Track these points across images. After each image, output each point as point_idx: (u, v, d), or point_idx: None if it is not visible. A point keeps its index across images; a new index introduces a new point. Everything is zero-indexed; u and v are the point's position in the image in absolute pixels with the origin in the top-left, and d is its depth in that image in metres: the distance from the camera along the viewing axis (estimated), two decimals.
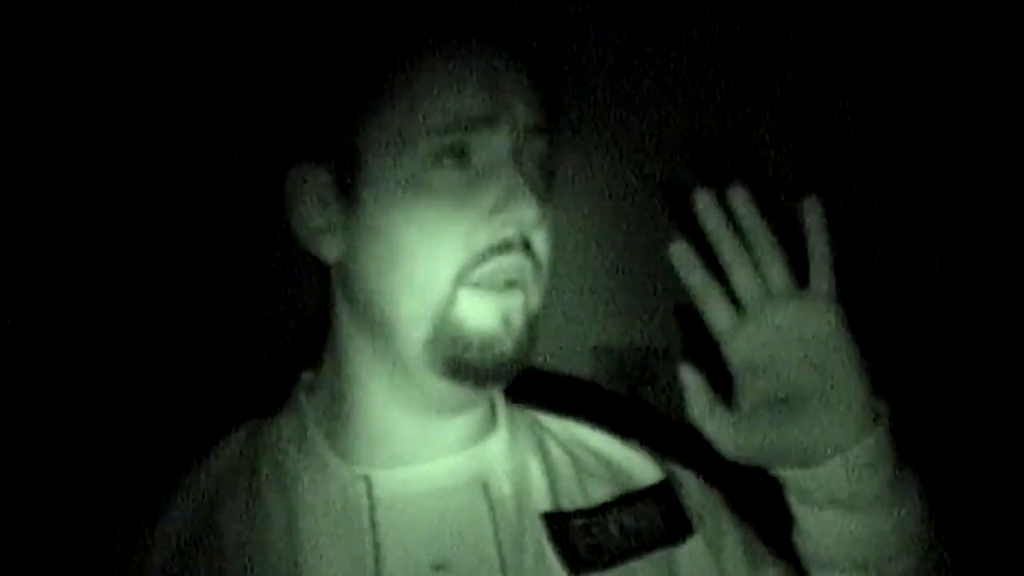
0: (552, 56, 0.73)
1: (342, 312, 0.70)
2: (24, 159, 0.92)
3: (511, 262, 0.64)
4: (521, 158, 0.65)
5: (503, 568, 0.66)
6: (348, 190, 0.66)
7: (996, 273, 1.02)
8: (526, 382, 0.86)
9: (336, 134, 0.66)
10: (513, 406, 0.77)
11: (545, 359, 1.05)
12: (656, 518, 0.72)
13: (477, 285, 0.64)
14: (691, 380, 0.64)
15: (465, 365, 0.65)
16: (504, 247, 0.64)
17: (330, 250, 0.68)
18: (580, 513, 0.70)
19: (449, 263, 0.63)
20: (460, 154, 0.63)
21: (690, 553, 0.71)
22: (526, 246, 0.65)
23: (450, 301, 0.64)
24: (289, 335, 0.97)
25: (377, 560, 0.65)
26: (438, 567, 0.66)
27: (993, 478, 1.02)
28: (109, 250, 0.95)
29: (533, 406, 0.81)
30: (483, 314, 0.64)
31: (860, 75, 1.00)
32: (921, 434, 1.05)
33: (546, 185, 0.68)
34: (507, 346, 0.65)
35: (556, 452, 0.76)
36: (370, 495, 0.67)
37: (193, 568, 0.66)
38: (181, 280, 0.97)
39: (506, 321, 0.64)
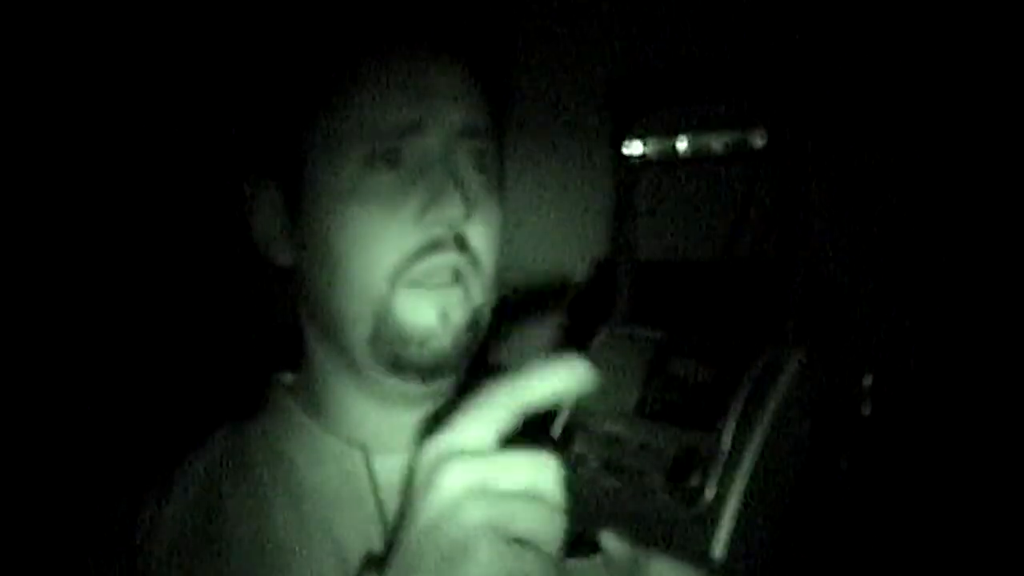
0: (492, 56, 0.73)
1: (303, 317, 0.73)
2: (10, 163, 0.92)
3: (443, 259, 0.66)
4: (453, 159, 0.67)
5: None
6: (292, 197, 0.69)
7: (995, 274, 1.01)
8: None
9: (280, 147, 0.70)
10: None
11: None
12: None
13: (413, 283, 0.66)
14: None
15: (406, 361, 0.66)
16: (435, 245, 0.65)
17: (282, 256, 0.71)
18: None
19: (383, 264, 0.65)
20: (391, 160, 0.65)
21: None
22: (461, 244, 0.66)
23: (388, 300, 0.66)
24: (260, 341, 0.97)
25: (384, 527, 0.67)
26: None
27: (992, 478, 1.01)
28: (88, 254, 0.94)
29: None
30: (420, 310, 0.66)
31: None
32: (919, 435, 1.05)
33: (486, 182, 0.69)
34: (445, 341, 0.66)
35: None
36: (369, 467, 0.69)
37: (197, 552, 0.67)
38: (156, 284, 0.96)
39: (444, 316, 0.66)
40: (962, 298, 1.01)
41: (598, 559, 0.60)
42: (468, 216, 0.66)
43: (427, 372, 0.67)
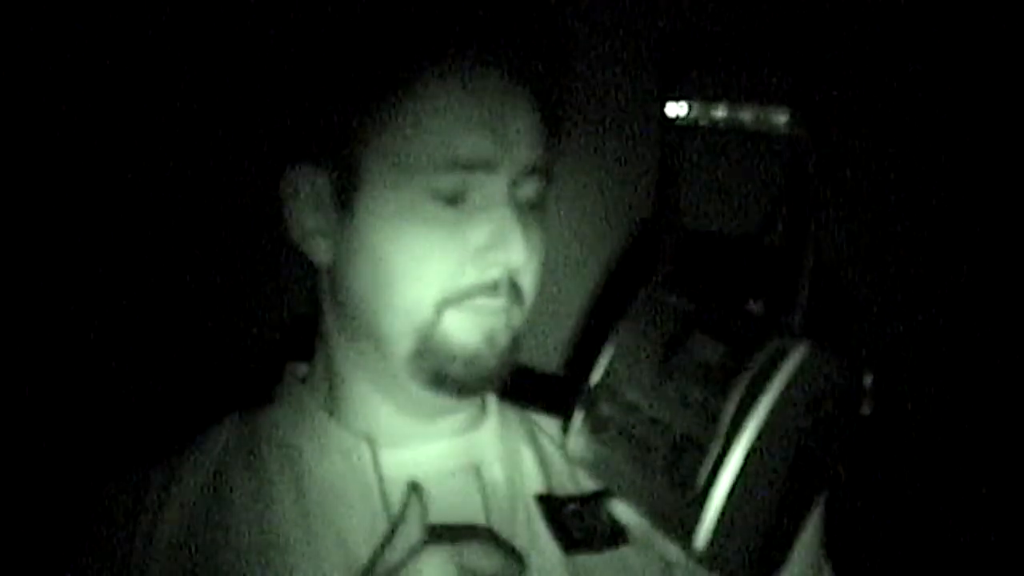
0: (557, 96, 0.73)
1: (330, 315, 0.72)
2: (21, 156, 0.91)
3: (495, 303, 0.66)
4: (516, 197, 0.66)
5: None
6: (344, 199, 0.67)
7: (994, 274, 1.02)
8: (522, 385, 0.86)
9: (339, 143, 0.67)
10: (504, 402, 0.79)
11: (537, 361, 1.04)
12: None
13: (462, 308, 0.65)
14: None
15: (449, 377, 0.67)
16: (490, 288, 0.65)
17: (321, 253, 0.69)
18: (573, 499, 0.72)
19: (435, 292, 0.65)
20: (457, 198, 0.64)
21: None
22: (513, 285, 0.66)
23: (434, 322, 0.65)
24: (276, 332, 0.96)
25: (389, 520, 0.66)
26: None
27: (992, 478, 1.02)
28: (96, 243, 0.94)
29: (525, 405, 0.81)
30: (468, 332, 0.66)
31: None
32: (919, 435, 1.05)
33: (540, 220, 0.69)
34: (491, 362, 0.67)
35: (548, 445, 0.78)
36: (375, 460, 0.69)
37: (201, 539, 0.67)
38: (165, 274, 0.96)
39: (490, 340, 0.66)
40: (962, 298, 1.02)
41: (624, 550, 0.62)
42: (527, 261, 0.66)
43: (468, 388, 0.67)
